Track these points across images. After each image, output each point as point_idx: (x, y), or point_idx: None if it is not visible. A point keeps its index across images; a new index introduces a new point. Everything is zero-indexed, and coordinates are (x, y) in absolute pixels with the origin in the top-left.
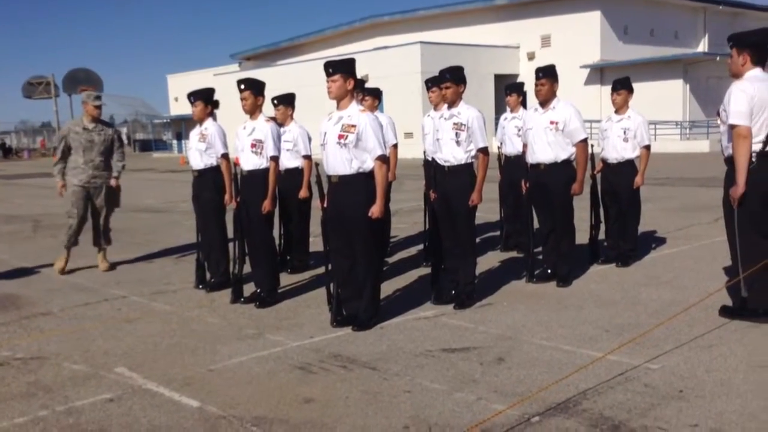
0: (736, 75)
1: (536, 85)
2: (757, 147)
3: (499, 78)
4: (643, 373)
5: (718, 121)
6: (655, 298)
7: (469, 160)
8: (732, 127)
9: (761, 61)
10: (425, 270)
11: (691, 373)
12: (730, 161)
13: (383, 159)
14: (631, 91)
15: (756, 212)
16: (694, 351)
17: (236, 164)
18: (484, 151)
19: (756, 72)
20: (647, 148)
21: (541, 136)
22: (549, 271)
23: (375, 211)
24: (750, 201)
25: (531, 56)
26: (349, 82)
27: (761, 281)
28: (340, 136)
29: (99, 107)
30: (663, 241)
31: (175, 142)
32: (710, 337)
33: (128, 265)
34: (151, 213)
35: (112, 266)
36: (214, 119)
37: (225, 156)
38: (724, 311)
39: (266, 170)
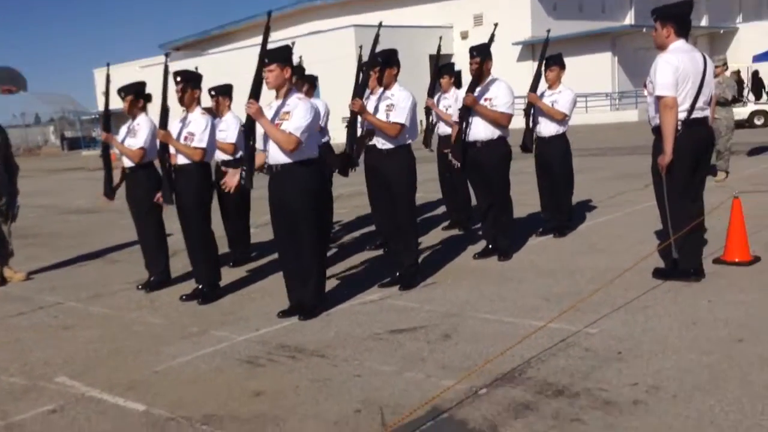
0: (661, 47)
1: (471, 63)
2: (682, 116)
3: (433, 58)
4: (583, 338)
5: (645, 93)
6: (591, 265)
7: (405, 142)
8: (659, 98)
9: (684, 32)
10: (369, 254)
11: (629, 334)
12: (657, 131)
13: (293, 138)
14: (563, 67)
15: (683, 178)
16: (630, 313)
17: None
18: (401, 126)
19: (680, 43)
20: (564, 115)
21: (476, 114)
22: (490, 246)
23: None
24: (677, 168)
25: (464, 35)
26: (286, 70)
27: (690, 243)
28: (278, 125)
29: None
30: (596, 210)
31: None
32: (645, 298)
33: (62, 269)
34: (82, 214)
35: (28, 276)
36: (146, 114)
37: (142, 149)
38: (657, 273)
39: (199, 165)
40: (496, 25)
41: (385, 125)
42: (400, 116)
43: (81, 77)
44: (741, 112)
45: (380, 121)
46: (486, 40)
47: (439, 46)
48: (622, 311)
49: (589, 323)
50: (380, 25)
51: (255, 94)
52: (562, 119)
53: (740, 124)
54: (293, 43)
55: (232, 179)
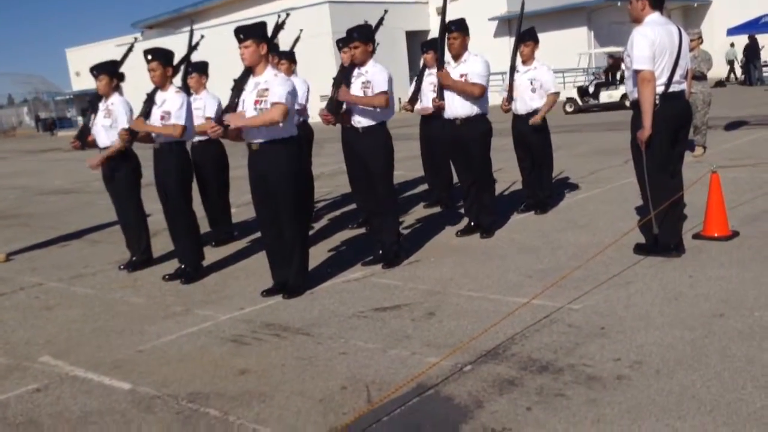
0: (637, 20)
1: (448, 38)
2: (659, 90)
3: (410, 34)
4: (566, 314)
5: (623, 67)
6: (573, 241)
7: (381, 119)
8: (636, 72)
9: (659, 5)
10: (352, 232)
11: (611, 310)
12: (635, 105)
13: (281, 108)
14: (537, 42)
15: (662, 152)
16: (612, 289)
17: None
18: (383, 95)
19: (655, 16)
20: (555, 94)
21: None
22: (472, 223)
23: (229, 119)
24: (656, 142)
25: (440, 12)
26: (261, 47)
27: (671, 218)
28: (256, 102)
29: None
30: (577, 187)
31: (80, 119)
32: (627, 274)
33: (42, 250)
34: (60, 195)
35: (8, 257)
36: (121, 93)
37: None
38: (638, 249)
39: (177, 143)
40: (386, 11)
41: (372, 99)
42: (380, 87)
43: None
44: (614, 95)
45: (368, 98)
46: (462, 16)
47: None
48: (605, 287)
49: (572, 299)
50: (385, 12)
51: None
52: (556, 95)
53: (615, 106)
54: (288, 15)
55: (215, 124)
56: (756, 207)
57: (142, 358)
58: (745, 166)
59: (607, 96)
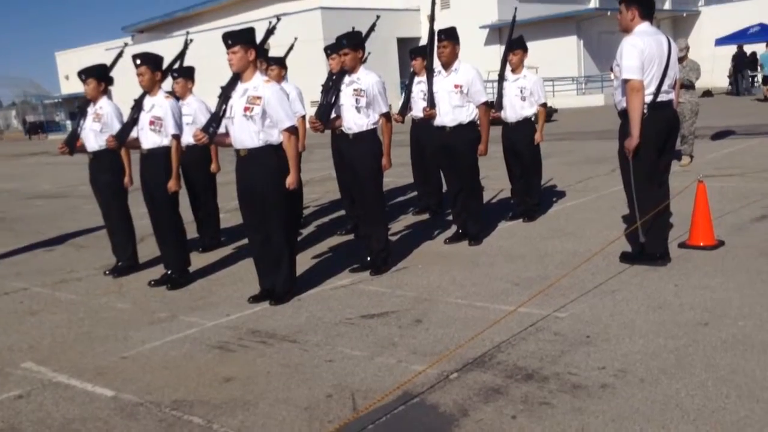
0: (626, 30)
1: (438, 47)
2: (648, 99)
3: (401, 41)
4: (553, 323)
5: (612, 76)
6: (560, 249)
7: (372, 126)
8: (625, 81)
9: (649, 15)
10: (339, 239)
11: (597, 318)
12: (624, 114)
13: (292, 130)
14: (526, 50)
15: (649, 162)
16: (598, 297)
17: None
18: (386, 116)
19: (644, 26)
20: (544, 105)
21: (445, 99)
22: (460, 231)
23: (290, 182)
24: (644, 151)
25: (430, 18)
26: (250, 52)
27: (657, 227)
28: (246, 109)
29: None
30: (565, 195)
31: (68, 122)
32: (612, 283)
33: (27, 254)
34: (47, 199)
35: None
36: (109, 98)
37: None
38: (624, 258)
39: (167, 148)
40: (378, 17)
41: (386, 135)
42: (383, 106)
43: (43, 60)
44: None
45: (388, 144)
46: (453, 24)
47: (433, 11)
48: (591, 295)
49: (558, 307)
50: (377, 18)
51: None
52: (544, 106)
53: None
54: (278, 19)
55: (201, 132)
56: (741, 217)
57: (126, 364)
58: (731, 176)
59: None
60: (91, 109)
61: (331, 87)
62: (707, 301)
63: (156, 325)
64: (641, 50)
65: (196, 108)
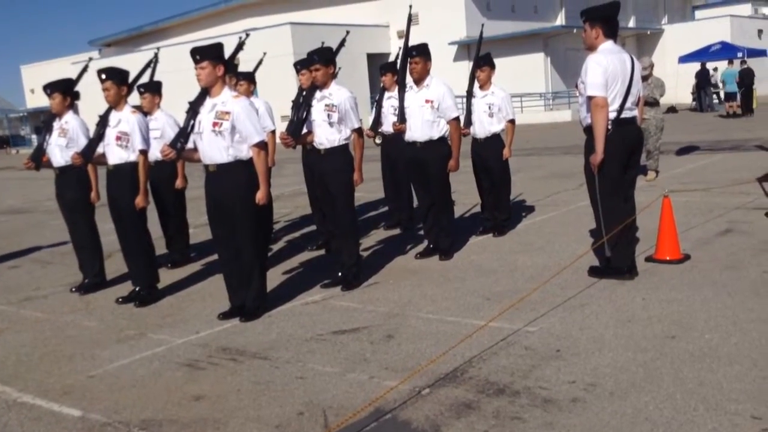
0: (591, 48)
1: (411, 63)
2: (612, 116)
3: (371, 57)
4: (523, 337)
5: (577, 93)
6: (530, 264)
7: (343, 142)
8: (590, 98)
9: (612, 33)
10: (310, 254)
11: (567, 332)
12: (589, 130)
13: (261, 145)
14: (493, 67)
15: (614, 177)
16: (568, 311)
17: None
18: (358, 131)
19: (608, 45)
20: (512, 122)
21: (417, 114)
22: (431, 246)
23: (260, 197)
24: (608, 166)
25: (401, 35)
26: (218, 68)
27: (623, 241)
28: (215, 124)
29: None
30: (534, 209)
31: (34, 137)
32: (582, 297)
33: None
34: (12, 214)
35: None
36: (75, 112)
37: None
38: (593, 272)
39: (133, 164)
40: (347, 32)
41: (358, 150)
42: (355, 121)
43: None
44: None
45: (359, 159)
46: (423, 40)
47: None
48: (560, 309)
49: (529, 322)
50: (347, 33)
51: None
52: (513, 122)
53: None
54: (248, 35)
55: (168, 148)
56: (707, 231)
57: (94, 383)
58: (696, 191)
59: None
60: (56, 124)
61: (302, 102)
62: (674, 314)
63: (124, 342)
64: (605, 68)
65: (164, 122)
